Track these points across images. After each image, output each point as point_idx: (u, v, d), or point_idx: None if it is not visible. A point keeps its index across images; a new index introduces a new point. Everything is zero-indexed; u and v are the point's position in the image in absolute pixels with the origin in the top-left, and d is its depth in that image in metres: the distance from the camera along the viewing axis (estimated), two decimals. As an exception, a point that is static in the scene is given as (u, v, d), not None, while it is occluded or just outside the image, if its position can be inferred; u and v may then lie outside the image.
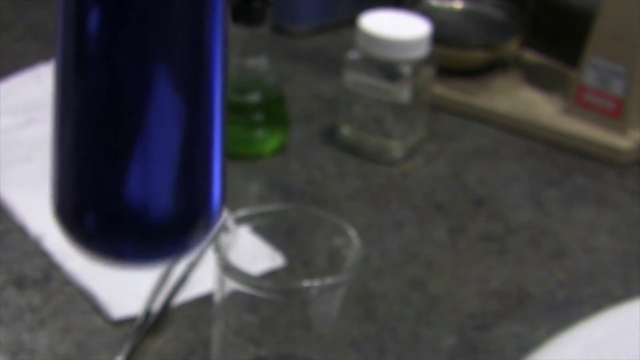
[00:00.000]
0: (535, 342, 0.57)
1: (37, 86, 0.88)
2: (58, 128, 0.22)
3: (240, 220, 0.59)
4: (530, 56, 0.97)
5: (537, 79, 0.94)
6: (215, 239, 0.57)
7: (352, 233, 0.57)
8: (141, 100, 0.21)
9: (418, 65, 0.81)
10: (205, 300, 0.65)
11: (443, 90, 0.90)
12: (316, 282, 0.54)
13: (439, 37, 0.84)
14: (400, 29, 0.80)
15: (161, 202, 0.21)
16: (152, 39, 0.21)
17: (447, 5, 0.99)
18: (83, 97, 0.22)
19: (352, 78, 0.81)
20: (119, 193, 0.21)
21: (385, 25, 0.80)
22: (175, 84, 0.21)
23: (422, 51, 0.80)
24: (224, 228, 0.57)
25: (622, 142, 0.86)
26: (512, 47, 0.95)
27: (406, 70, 0.80)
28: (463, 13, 0.99)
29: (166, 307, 0.64)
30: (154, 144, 0.21)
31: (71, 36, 0.21)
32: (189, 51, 0.21)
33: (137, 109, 0.21)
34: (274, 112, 0.82)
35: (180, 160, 0.21)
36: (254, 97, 0.81)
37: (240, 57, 0.79)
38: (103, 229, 0.22)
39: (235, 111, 0.81)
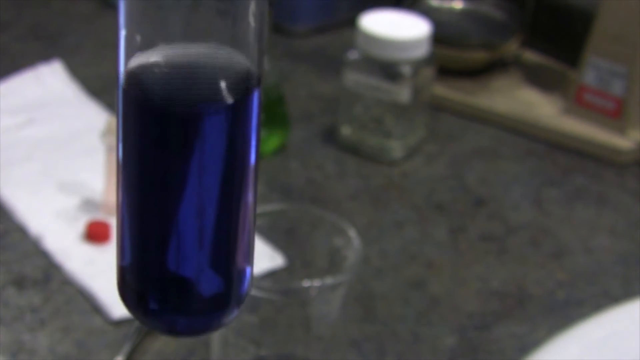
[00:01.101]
0: (535, 342, 0.57)
1: (37, 86, 0.88)
2: (123, 228, 0.29)
3: (240, 220, 0.58)
4: (530, 56, 0.97)
5: (537, 79, 0.94)
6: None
7: (352, 233, 0.57)
8: (190, 205, 0.26)
9: (418, 65, 0.81)
10: (205, 300, 0.65)
11: (443, 90, 0.90)
12: (316, 282, 0.54)
13: (439, 37, 0.84)
14: (400, 29, 0.80)
15: (209, 286, 0.26)
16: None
17: (447, 5, 0.99)
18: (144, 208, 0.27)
19: (352, 78, 0.81)
20: (174, 280, 0.26)
21: (385, 25, 0.80)
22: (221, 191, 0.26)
23: (422, 51, 0.80)
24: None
25: (622, 142, 0.86)
26: (512, 47, 0.95)
27: (406, 70, 0.80)
28: (463, 13, 0.99)
29: (166, 307, 0.64)
30: (204, 238, 0.26)
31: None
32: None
33: (188, 213, 0.26)
34: (274, 112, 0.82)
35: (224, 251, 0.26)
36: (254, 97, 0.80)
37: (240, 57, 0.79)
38: (161, 310, 0.26)
39: (235, 111, 0.81)
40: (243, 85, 0.25)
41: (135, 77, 0.26)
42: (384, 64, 0.80)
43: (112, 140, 0.69)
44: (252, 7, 0.25)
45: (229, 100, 0.25)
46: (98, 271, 0.66)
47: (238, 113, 0.25)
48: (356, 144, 0.83)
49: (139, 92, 0.26)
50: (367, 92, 0.81)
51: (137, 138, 0.26)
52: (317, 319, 0.57)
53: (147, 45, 0.26)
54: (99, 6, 1.03)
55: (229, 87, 0.25)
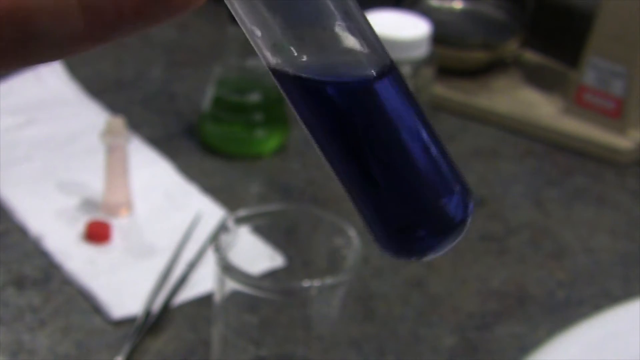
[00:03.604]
0: (535, 342, 0.57)
1: (37, 86, 0.88)
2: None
3: (240, 220, 0.59)
4: (530, 56, 0.97)
5: (537, 79, 0.94)
6: (215, 239, 0.57)
7: (352, 233, 0.57)
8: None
9: (418, 65, 0.81)
10: (205, 300, 0.65)
11: (443, 90, 0.90)
12: (316, 282, 0.54)
13: (439, 37, 0.84)
14: (400, 29, 0.80)
15: (458, 209, 0.29)
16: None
17: (447, 5, 0.99)
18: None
19: (352, 78, 0.81)
20: (438, 207, 0.29)
21: (385, 25, 0.80)
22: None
23: (422, 51, 0.80)
24: (224, 228, 0.57)
25: (622, 142, 0.86)
26: (512, 47, 0.95)
27: (406, 70, 0.80)
28: (463, 13, 0.99)
29: (166, 307, 0.64)
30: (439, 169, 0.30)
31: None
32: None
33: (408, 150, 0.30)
34: (274, 112, 0.82)
35: (455, 177, 0.30)
36: (254, 97, 0.81)
37: (240, 57, 0.79)
38: (428, 235, 0.30)
39: (235, 111, 0.81)
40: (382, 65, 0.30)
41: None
42: (384, 64, 0.80)
43: (112, 140, 0.69)
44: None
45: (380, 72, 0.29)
46: (98, 271, 0.66)
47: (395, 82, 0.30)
48: (356, 144, 0.83)
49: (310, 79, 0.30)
50: (367, 92, 0.81)
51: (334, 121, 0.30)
52: (317, 319, 0.57)
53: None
54: (99, 6, 1.02)
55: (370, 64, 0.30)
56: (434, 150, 0.30)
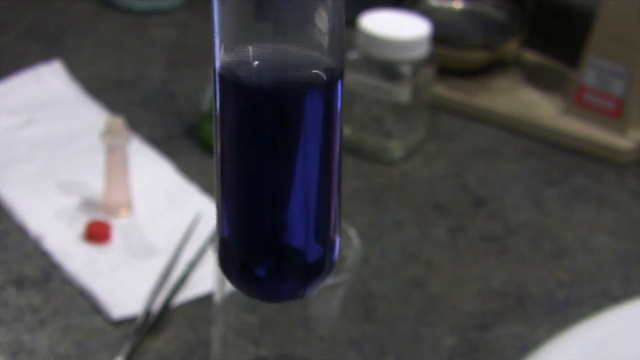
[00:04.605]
0: (535, 342, 0.57)
1: (37, 86, 0.88)
2: (225, 200, 0.30)
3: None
4: (530, 56, 0.97)
5: (537, 79, 0.94)
6: (215, 239, 0.57)
7: (352, 233, 0.57)
8: (291, 183, 0.29)
9: (418, 65, 0.81)
10: (205, 300, 0.65)
11: (443, 90, 0.90)
12: (316, 282, 0.54)
13: (439, 37, 0.84)
14: (400, 29, 0.80)
15: (312, 254, 0.29)
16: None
17: (447, 5, 0.99)
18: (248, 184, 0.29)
19: (352, 78, 0.81)
20: (284, 249, 0.28)
21: (385, 25, 0.80)
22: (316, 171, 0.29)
23: (422, 51, 0.80)
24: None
25: (622, 142, 0.86)
26: (512, 47, 0.95)
27: (406, 70, 0.80)
28: (463, 13, 0.99)
29: (166, 307, 0.64)
30: (306, 209, 0.29)
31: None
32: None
33: (288, 189, 0.29)
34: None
35: (323, 222, 0.29)
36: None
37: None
38: (269, 277, 0.29)
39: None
40: (327, 76, 0.29)
41: (230, 66, 0.30)
42: (384, 64, 0.80)
43: (112, 140, 0.69)
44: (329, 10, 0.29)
45: (318, 83, 0.28)
46: (98, 271, 0.66)
47: (328, 96, 0.29)
48: (356, 144, 0.83)
49: (236, 78, 0.29)
50: (367, 92, 0.81)
51: (238, 118, 0.29)
52: (317, 319, 0.57)
53: (236, 44, 0.30)
54: (99, 6, 1.03)
55: (315, 75, 0.29)
56: (317, 187, 0.29)
